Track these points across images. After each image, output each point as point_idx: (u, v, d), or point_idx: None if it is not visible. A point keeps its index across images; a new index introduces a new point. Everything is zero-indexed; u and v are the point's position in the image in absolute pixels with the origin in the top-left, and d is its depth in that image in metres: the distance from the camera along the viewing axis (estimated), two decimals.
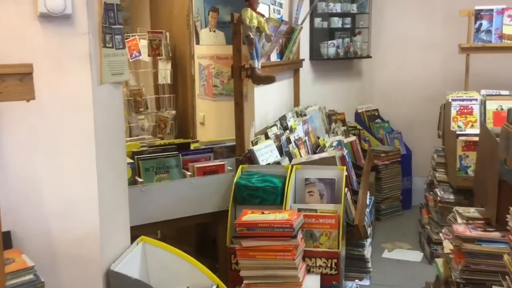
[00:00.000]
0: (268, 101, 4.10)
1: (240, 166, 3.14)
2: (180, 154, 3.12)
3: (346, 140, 4.59)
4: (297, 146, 3.68)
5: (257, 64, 3.28)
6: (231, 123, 3.40)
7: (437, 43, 5.52)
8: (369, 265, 3.57)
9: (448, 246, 2.81)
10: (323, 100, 5.36)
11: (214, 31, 3.88)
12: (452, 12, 4.95)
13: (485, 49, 4.54)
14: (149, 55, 4.14)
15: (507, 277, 2.05)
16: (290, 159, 3.41)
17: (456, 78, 5.10)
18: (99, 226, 1.87)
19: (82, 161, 1.85)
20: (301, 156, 3.59)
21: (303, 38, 5.01)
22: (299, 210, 2.90)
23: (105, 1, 1.83)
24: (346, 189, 3.02)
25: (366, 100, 5.89)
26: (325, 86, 5.60)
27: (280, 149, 3.48)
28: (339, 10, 5.36)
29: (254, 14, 3.22)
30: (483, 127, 3.00)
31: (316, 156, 3.33)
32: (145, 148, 3.13)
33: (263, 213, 2.70)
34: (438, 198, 4.05)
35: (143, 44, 4.21)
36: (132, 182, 2.92)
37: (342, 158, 3.65)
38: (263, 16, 3.38)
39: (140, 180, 2.95)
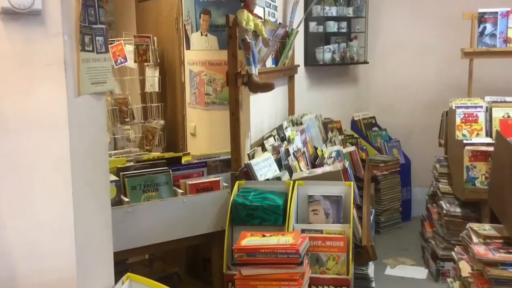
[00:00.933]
0: (263, 110, 3.85)
1: (237, 183, 2.88)
2: (171, 170, 2.84)
3: (345, 150, 4.36)
4: (296, 158, 3.42)
5: (255, 71, 3.04)
6: (225, 134, 3.14)
7: (436, 47, 5.38)
8: (373, 284, 3.35)
9: (465, 269, 2.63)
10: (318, 108, 5.17)
11: (206, 35, 3.60)
12: (452, 15, 4.84)
13: (489, 53, 4.38)
14: (135, 61, 3.86)
15: None
16: (291, 174, 3.15)
17: (457, 84, 4.99)
18: (75, 268, 1.54)
19: (54, 189, 1.52)
20: (301, 169, 3.33)
21: (298, 43, 4.79)
22: (303, 231, 2.64)
23: None
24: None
25: (363, 107, 5.74)
26: (320, 93, 5.43)
27: (279, 162, 3.22)
28: (334, 14, 5.19)
29: (251, 16, 2.97)
30: (500, 137, 2.83)
31: (319, 170, 3.07)
32: (131, 164, 2.85)
33: (264, 235, 2.44)
34: (444, 212, 3.88)
35: (129, 49, 3.94)
36: (117, 202, 2.63)
37: (344, 170, 3.40)
38: (260, 18, 3.13)
39: (126, 199, 2.66)
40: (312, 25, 5.13)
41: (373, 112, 5.70)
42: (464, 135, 3.85)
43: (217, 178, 2.94)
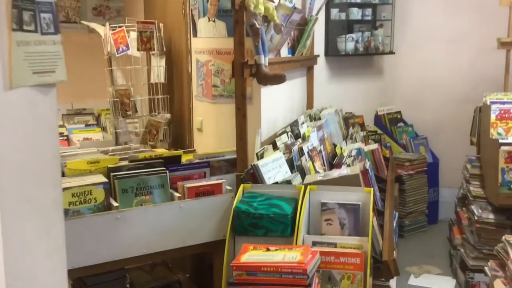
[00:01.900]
0: (277, 104, 3.52)
1: (242, 186, 2.56)
2: (167, 171, 2.54)
3: (366, 148, 4.01)
4: (311, 158, 3.09)
5: (264, 60, 2.72)
6: (233, 129, 2.83)
7: (469, 37, 5.05)
8: None
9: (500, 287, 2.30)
10: (339, 102, 4.88)
11: (214, 21, 3.28)
12: (488, 2, 4.57)
13: None
14: (138, 49, 3.56)
15: None
16: (303, 176, 2.82)
17: (492, 77, 4.71)
18: None
19: None
20: (316, 170, 2.99)
21: (318, 32, 4.48)
22: (314, 243, 2.32)
23: None
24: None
25: (388, 101, 5.44)
26: (342, 85, 5.12)
27: (290, 162, 2.89)
28: (358, 0, 4.87)
29: None
30: None
31: (335, 173, 2.73)
32: (124, 163, 2.55)
33: (268, 249, 2.12)
34: (475, 218, 3.58)
35: (134, 37, 3.65)
36: (105, 207, 2.34)
37: (364, 172, 3.06)
38: (272, 1, 2.80)
39: (115, 204, 2.37)
40: (334, 12, 4.82)
41: (399, 107, 5.44)
42: (499, 134, 3.63)
43: (220, 181, 2.64)
